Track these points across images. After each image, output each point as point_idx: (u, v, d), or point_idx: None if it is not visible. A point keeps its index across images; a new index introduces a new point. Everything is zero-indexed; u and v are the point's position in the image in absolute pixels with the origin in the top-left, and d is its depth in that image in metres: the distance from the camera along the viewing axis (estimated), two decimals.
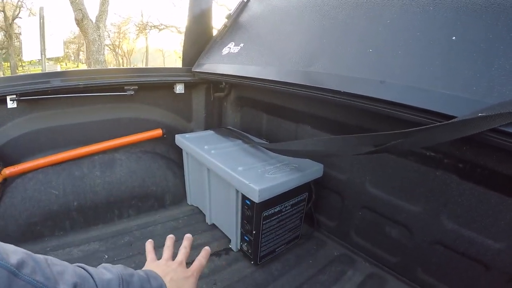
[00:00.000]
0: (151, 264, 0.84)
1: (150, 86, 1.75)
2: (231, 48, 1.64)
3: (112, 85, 1.61)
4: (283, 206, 1.33)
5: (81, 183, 1.58)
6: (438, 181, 1.13)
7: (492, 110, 0.68)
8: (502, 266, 1.01)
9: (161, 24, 21.52)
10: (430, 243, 1.18)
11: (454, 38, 0.87)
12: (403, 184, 1.24)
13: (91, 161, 1.66)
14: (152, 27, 22.49)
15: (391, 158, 1.25)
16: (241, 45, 1.59)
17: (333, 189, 1.52)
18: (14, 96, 1.40)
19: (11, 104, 1.42)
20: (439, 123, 0.75)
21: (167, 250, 0.90)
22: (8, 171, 1.45)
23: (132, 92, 1.64)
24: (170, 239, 0.96)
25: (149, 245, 0.93)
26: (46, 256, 0.54)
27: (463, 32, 0.86)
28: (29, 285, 0.46)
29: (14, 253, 0.48)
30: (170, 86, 1.84)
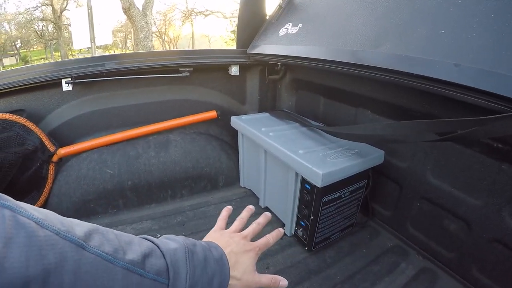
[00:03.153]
0: (216, 232, 0.81)
1: (205, 68, 1.75)
2: (288, 29, 1.59)
3: (167, 67, 1.63)
4: (342, 192, 1.29)
5: (136, 163, 1.61)
6: (503, 174, 1.04)
7: None
8: None
9: (207, 10, 21.67)
10: (488, 241, 1.10)
11: None
12: (466, 176, 1.16)
13: (146, 141, 1.70)
14: (198, 13, 22.70)
15: (456, 147, 1.17)
16: (300, 25, 1.54)
17: (391, 177, 1.46)
18: (69, 79, 1.46)
19: (66, 87, 1.48)
20: None
21: (236, 223, 0.86)
22: (63, 151, 1.51)
23: (187, 74, 1.64)
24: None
25: (224, 212, 0.91)
26: (111, 229, 0.54)
27: None
28: (98, 257, 0.46)
29: (79, 225, 0.48)
30: (225, 68, 1.84)
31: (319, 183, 1.12)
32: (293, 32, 1.55)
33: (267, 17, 1.93)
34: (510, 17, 0.82)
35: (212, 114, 1.80)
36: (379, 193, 1.53)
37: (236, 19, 1.96)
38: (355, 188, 1.33)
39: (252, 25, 1.90)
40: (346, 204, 1.34)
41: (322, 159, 1.21)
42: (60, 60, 1.50)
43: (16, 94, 1.42)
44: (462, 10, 0.93)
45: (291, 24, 1.61)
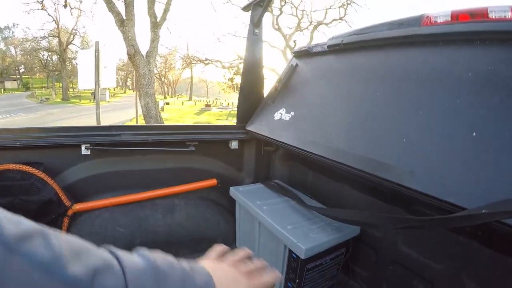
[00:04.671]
0: (203, 260, 0.69)
1: (208, 141, 1.99)
2: (282, 114, 1.84)
3: (175, 141, 1.86)
4: (323, 260, 1.50)
5: (145, 223, 1.81)
6: (460, 245, 1.25)
7: (494, 207, 0.81)
8: None
9: (207, 59, 22.43)
10: None
11: (474, 134, 1.00)
12: (430, 245, 1.38)
13: (153, 204, 1.90)
14: (198, 61, 23.49)
15: None
16: (292, 113, 1.79)
17: (369, 244, 1.66)
18: (88, 145, 1.65)
19: (85, 151, 1.66)
20: (452, 215, 0.90)
21: (231, 256, 0.73)
22: (78, 206, 1.68)
23: (193, 148, 1.88)
24: (244, 251, 0.77)
25: (218, 247, 0.76)
26: (68, 235, 0.44)
27: (483, 128, 0.99)
28: (29, 266, 0.35)
29: (22, 223, 0.39)
30: (226, 142, 2.09)
31: (302, 256, 1.35)
32: (286, 119, 1.80)
33: (265, 95, 2.20)
34: (458, 132, 1.05)
35: (213, 182, 2.03)
36: (359, 257, 1.72)
37: (233, 68, 2.19)
38: (335, 255, 1.55)
39: (251, 100, 2.17)
40: (327, 269, 1.56)
41: (306, 234, 1.44)
42: (80, 126, 1.70)
43: (37, 149, 1.58)
44: (421, 122, 1.17)
45: (284, 110, 1.86)
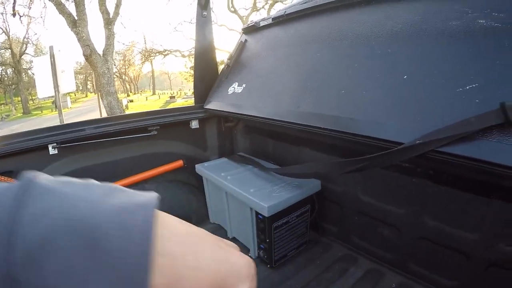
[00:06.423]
0: None
1: (169, 125, 2.03)
2: (235, 88, 1.91)
3: (137, 128, 1.88)
4: (289, 217, 1.60)
5: None
6: (415, 186, 1.36)
7: (427, 138, 0.90)
8: (480, 255, 1.20)
9: (165, 50, 22.06)
10: (416, 239, 1.40)
11: (405, 77, 1.09)
12: (388, 191, 1.49)
13: None
14: (157, 53, 23.06)
15: (376, 170, 1.49)
16: (244, 85, 1.86)
17: (332, 200, 1.77)
18: (55, 144, 1.64)
19: (52, 151, 1.66)
20: (389, 150, 0.98)
21: None
22: None
23: (155, 132, 1.92)
24: None
25: None
26: None
27: (413, 71, 1.08)
28: None
29: None
30: (187, 122, 2.13)
31: (266, 214, 1.45)
32: (239, 92, 1.87)
33: (219, 72, 2.24)
34: (390, 75, 1.14)
35: (179, 163, 2.08)
36: (326, 213, 1.83)
37: (193, 57, 2.22)
38: (300, 212, 1.65)
39: (206, 80, 2.21)
40: (295, 226, 1.65)
41: (269, 194, 1.53)
42: (46, 127, 1.68)
43: (4, 158, 1.54)
44: (357, 73, 1.27)
45: (237, 83, 1.92)
